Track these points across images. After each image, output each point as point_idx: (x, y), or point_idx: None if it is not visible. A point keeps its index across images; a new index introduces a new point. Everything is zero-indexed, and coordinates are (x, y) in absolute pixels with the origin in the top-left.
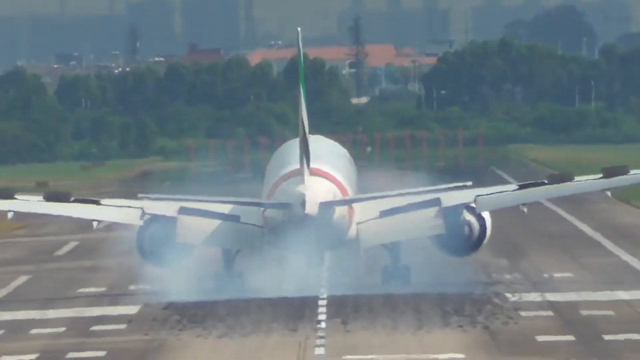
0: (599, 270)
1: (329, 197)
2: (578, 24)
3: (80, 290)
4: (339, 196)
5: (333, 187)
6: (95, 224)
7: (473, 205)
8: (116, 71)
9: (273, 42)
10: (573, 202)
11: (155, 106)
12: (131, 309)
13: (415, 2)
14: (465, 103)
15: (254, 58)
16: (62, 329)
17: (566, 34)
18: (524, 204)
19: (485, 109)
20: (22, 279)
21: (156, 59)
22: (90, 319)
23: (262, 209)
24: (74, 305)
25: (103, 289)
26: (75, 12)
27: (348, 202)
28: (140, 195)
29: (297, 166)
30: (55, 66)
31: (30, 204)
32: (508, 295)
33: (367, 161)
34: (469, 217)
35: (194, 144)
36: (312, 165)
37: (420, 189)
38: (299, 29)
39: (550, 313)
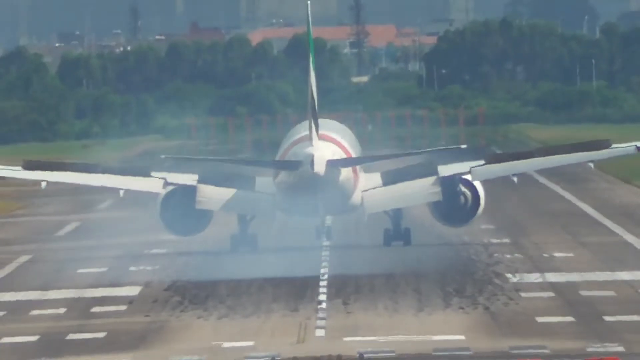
0: (600, 250)
1: (336, 158)
2: (579, 2)
3: (81, 270)
4: None
5: (339, 150)
6: (121, 192)
7: (468, 177)
8: (117, 50)
9: (274, 21)
10: (574, 182)
11: (157, 85)
12: (132, 290)
13: None
14: (466, 82)
15: (255, 37)
16: (63, 310)
17: (567, 13)
18: (515, 175)
19: (486, 88)
20: (23, 259)
21: (157, 37)
22: (90, 300)
23: (274, 176)
24: (75, 286)
25: (104, 269)
26: None
27: (354, 162)
28: (163, 156)
29: (307, 133)
30: (57, 45)
31: (59, 174)
32: (509, 275)
33: (368, 139)
34: (464, 188)
35: (195, 122)
36: (320, 132)
37: (419, 150)
38: (308, 2)
39: (550, 294)
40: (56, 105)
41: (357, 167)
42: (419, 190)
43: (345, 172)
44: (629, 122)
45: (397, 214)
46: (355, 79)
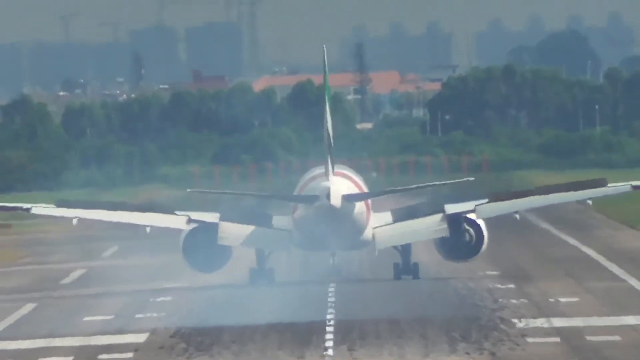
0: (605, 295)
1: (350, 193)
2: (582, 48)
3: (87, 318)
4: None
5: (354, 186)
6: (148, 229)
7: (473, 215)
8: (121, 99)
9: (277, 69)
10: (578, 227)
11: (160, 133)
12: (138, 337)
13: (418, 28)
14: (469, 128)
15: (258, 85)
16: (70, 358)
17: (570, 59)
18: (517, 212)
19: (489, 134)
20: (28, 307)
21: (161, 86)
22: (97, 348)
23: (292, 211)
24: (81, 334)
25: (110, 317)
26: (80, 39)
27: (368, 196)
28: (188, 190)
29: (323, 171)
30: (61, 94)
31: (89, 212)
32: (514, 320)
33: (373, 187)
34: (468, 226)
35: (198, 171)
36: (335, 170)
37: (427, 183)
38: (324, 46)
39: (556, 339)
40: (61, 155)
41: (369, 205)
42: (427, 227)
43: (359, 207)
44: (633, 166)
45: (406, 250)
46: (359, 126)
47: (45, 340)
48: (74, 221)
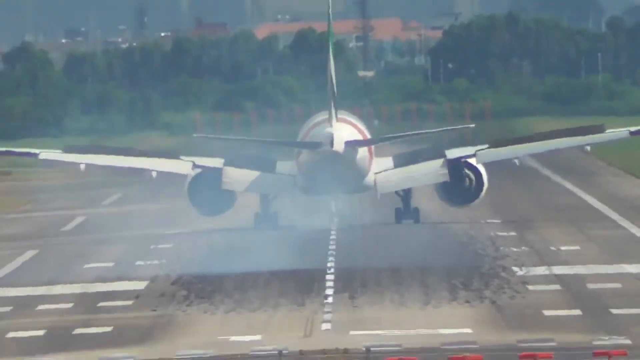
0: (607, 243)
1: (353, 139)
2: None
3: (88, 265)
4: None
5: (356, 132)
6: (154, 174)
7: (473, 161)
8: (123, 46)
9: (280, 16)
10: (580, 175)
11: (162, 80)
12: (139, 285)
13: None
14: (472, 76)
15: (261, 32)
16: (70, 305)
17: (573, 7)
18: (517, 158)
19: (492, 83)
20: (29, 254)
21: (162, 34)
22: (97, 295)
23: (296, 157)
24: (81, 281)
25: (110, 264)
26: None
27: (370, 143)
28: (194, 135)
29: (326, 117)
30: (63, 41)
31: (97, 157)
32: (515, 269)
33: (376, 134)
34: (468, 171)
35: (200, 118)
36: (338, 116)
37: (428, 130)
38: None
39: (557, 287)
40: (62, 102)
41: (372, 150)
42: (428, 172)
43: (362, 152)
44: (635, 114)
45: (407, 194)
46: (361, 74)
47: (46, 288)
48: (82, 167)
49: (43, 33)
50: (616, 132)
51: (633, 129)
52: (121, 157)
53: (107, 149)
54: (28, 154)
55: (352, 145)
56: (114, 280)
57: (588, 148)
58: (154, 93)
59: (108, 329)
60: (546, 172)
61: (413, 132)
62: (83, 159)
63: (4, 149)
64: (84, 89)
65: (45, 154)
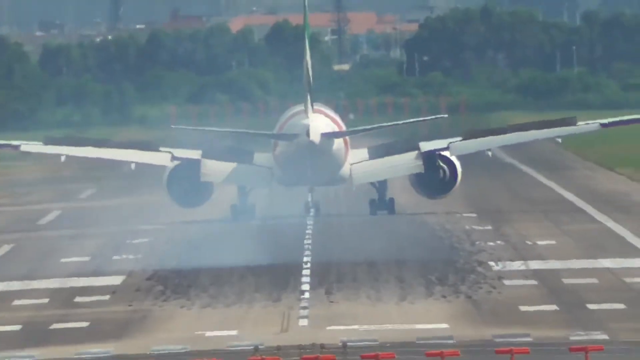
0: (583, 238)
1: (329, 130)
2: None
3: (64, 260)
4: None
5: (333, 124)
6: (132, 165)
7: (447, 153)
8: (98, 39)
9: (255, 9)
10: (555, 169)
11: (137, 73)
12: (115, 280)
13: None
14: (447, 69)
15: (235, 24)
16: (46, 300)
17: (547, 0)
18: (489, 150)
19: (467, 76)
20: (5, 248)
21: (138, 26)
22: (73, 290)
23: (273, 149)
24: (57, 276)
25: (86, 258)
26: None
27: (345, 134)
28: (172, 126)
29: (302, 109)
30: (38, 34)
31: (77, 149)
32: (491, 263)
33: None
34: (442, 163)
35: (175, 111)
36: (314, 108)
37: (403, 121)
38: None
39: (533, 282)
40: (37, 94)
41: (348, 142)
42: (403, 164)
43: (337, 144)
44: (611, 108)
45: (382, 186)
46: (336, 67)
47: (22, 283)
48: (62, 158)
49: (18, 25)
50: (588, 124)
51: (603, 121)
52: (101, 149)
53: (86, 140)
54: (9, 145)
55: (328, 136)
56: (90, 275)
57: (559, 140)
58: (129, 86)
59: (85, 323)
60: (522, 166)
61: (388, 124)
62: (63, 151)
63: None
64: (59, 81)
65: (26, 147)
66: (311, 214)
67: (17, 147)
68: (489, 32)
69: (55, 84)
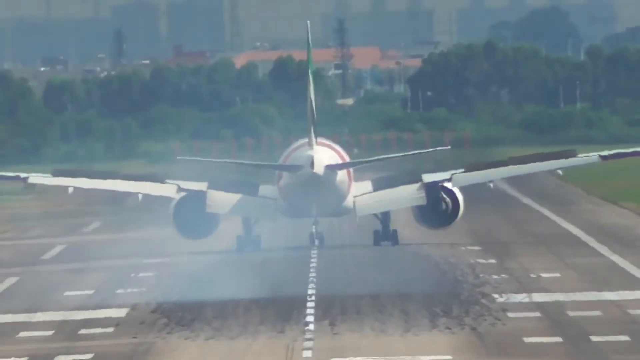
0: (587, 271)
1: (333, 163)
2: (563, 25)
3: (68, 293)
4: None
5: (336, 156)
6: (140, 196)
7: (449, 184)
8: (102, 75)
9: (258, 44)
10: (559, 203)
11: (141, 109)
12: (119, 312)
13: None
14: (451, 105)
15: (240, 60)
16: (50, 332)
17: (551, 35)
18: (491, 181)
19: (471, 111)
20: (9, 281)
21: (141, 62)
22: (78, 322)
23: (277, 180)
24: (62, 309)
25: (91, 292)
26: (61, 15)
27: (349, 165)
28: (178, 157)
29: (306, 141)
30: (42, 69)
31: (85, 181)
32: (495, 296)
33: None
34: (444, 195)
35: (179, 147)
36: (318, 140)
37: (405, 153)
38: (308, 22)
39: (537, 314)
40: (41, 129)
41: (351, 174)
42: (405, 196)
43: (341, 175)
44: (614, 143)
45: (385, 217)
46: (340, 102)
47: (26, 315)
48: (70, 190)
49: (22, 61)
50: (587, 156)
51: (602, 153)
52: (108, 181)
53: (95, 173)
54: (18, 177)
55: (332, 168)
56: (94, 308)
57: (560, 172)
58: (133, 121)
59: (89, 356)
60: (525, 200)
61: (391, 155)
62: (72, 183)
63: None
64: (63, 117)
65: (34, 179)
66: (315, 244)
67: (25, 178)
68: (493, 68)
69: (59, 119)
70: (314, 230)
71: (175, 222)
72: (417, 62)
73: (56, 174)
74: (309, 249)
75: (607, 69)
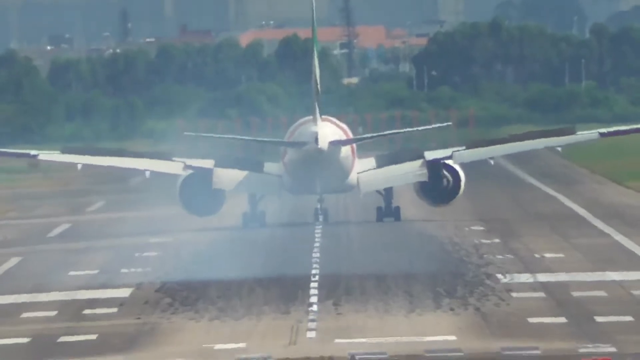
0: (591, 251)
1: (337, 139)
2: (568, 3)
3: (72, 273)
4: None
5: (340, 132)
6: (147, 173)
7: (451, 161)
8: (107, 53)
9: (264, 23)
10: (564, 182)
11: (146, 87)
12: (123, 292)
13: None
14: (456, 84)
15: (245, 38)
16: (54, 313)
17: (556, 14)
18: (492, 158)
19: (476, 90)
20: (13, 261)
21: (147, 40)
22: (82, 302)
23: (282, 156)
24: (66, 289)
25: (95, 271)
26: None
27: (353, 141)
28: (185, 133)
29: (311, 118)
30: (48, 48)
31: (93, 158)
32: (499, 276)
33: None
34: (446, 171)
35: (184, 125)
36: (323, 117)
37: (408, 129)
38: (312, 0)
39: (541, 294)
40: (47, 108)
41: (355, 151)
42: (408, 172)
43: (345, 151)
44: (619, 122)
45: (388, 194)
46: (345, 81)
47: (30, 295)
48: (79, 167)
49: (27, 40)
50: (587, 133)
51: (603, 130)
52: (116, 158)
53: (103, 150)
54: (27, 155)
55: (335, 144)
56: (98, 288)
57: (560, 149)
58: (138, 100)
59: (93, 336)
60: (530, 180)
61: (393, 132)
62: (80, 160)
63: (2, 149)
64: (68, 95)
65: (43, 156)
66: (320, 220)
67: (35, 156)
68: (498, 46)
69: (64, 98)
70: (318, 206)
71: (181, 199)
72: (422, 41)
73: (65, 151)
74: (313, 225)
75: (612, 47)
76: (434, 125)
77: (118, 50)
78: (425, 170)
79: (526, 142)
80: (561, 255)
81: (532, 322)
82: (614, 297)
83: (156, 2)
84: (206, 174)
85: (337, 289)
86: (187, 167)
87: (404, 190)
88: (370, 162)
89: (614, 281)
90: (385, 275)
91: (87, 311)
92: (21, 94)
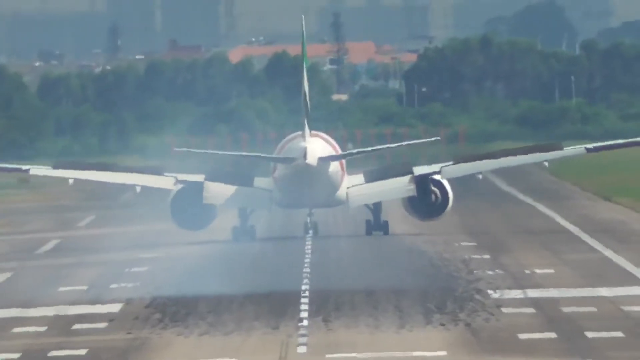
0: (581, 267)
1: (326, 154)
2: (558, 19)
3: (62, 288)
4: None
5: (329, 148)
6: (138, 188)
7: (439, 177)
8: (97, 69)
9: (254, 39)
10: (554, 199)
11: (136, 103)
12: (113, 307)
13: None
14: (446, 100)
15: (235, 54)
16: (44, 328)
17: (547, 30)
18: (480, 173)
19: (466, 106)
20: (2, 277)
21: (137, 57)
22: (71, 318)
23: (272, 171)
24: (56, 304)
25: (84, 287)
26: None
27: (341, 157)
28: (175, 149)
29: (301, 133)
30: (37, 64)
31: (85, 172)
32: (490, 291)
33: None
34: (434, 187)
35: (174, 141)
36: (312, 132)
37: (396, 144)
38: (302, 16)
39: (532, 310)
40: (36, 124)
41: (344, 166)
42: (396, 187)
43: (334, 167)
44: (609, 138)
45: (377, 208)
46: (335, 97)
47: (20, 310)
48: (70, 181)
49: (17, 55)
50: (574, 149)
51: (588, 145)
52: (107, 173)
53: (93, 164)
54: (19, 169)
55: (325, 159)
56: (88, 303)
57: (546, 164)
58: (128, 116)
59: (83, 351)
60: (521, 196)
61: (382, 147)
62: (71, 175)
63: None
64: (58, 111)
65: (35, 170)
66: (310, 234)
67: (26, 170)
68: (488, 62)
69: (54, 113)
70: (308, 220)
71: (173, 213)
72: (412, 57)
73: (57, 166)
74: (304, 239)
75: (602, 63)
76: (422, 140)
77: (108, 67)
78: (413, 186)
79: (514, 157)
80: (551, 270)
81: (523, 338)
82: (605, 312)
83: (147, 17)
84: (197, 188)
85: (327, 304)
86: (178, 182)
87: (393, 206)
88: (359, 177)
89: (604, 297)
90: (375, 290)
91: (77, 326)
92: (11, 109)
